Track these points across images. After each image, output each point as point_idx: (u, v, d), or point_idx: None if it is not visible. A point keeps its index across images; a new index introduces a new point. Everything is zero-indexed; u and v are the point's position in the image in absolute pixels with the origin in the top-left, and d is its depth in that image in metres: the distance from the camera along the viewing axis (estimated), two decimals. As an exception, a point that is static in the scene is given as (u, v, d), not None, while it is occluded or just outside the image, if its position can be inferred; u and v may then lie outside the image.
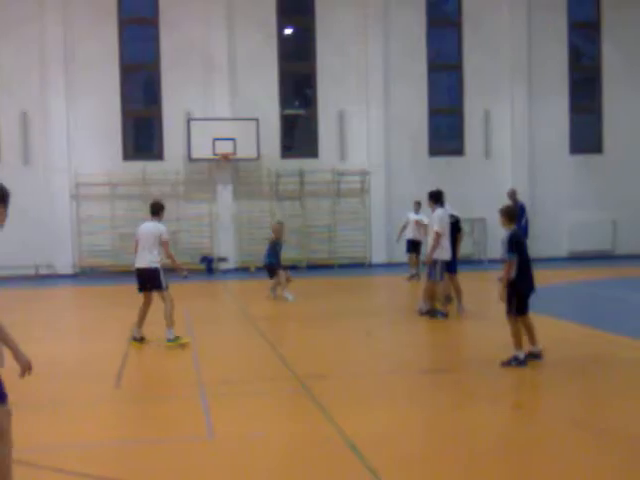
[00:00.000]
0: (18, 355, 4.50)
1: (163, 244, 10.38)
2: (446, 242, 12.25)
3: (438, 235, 12.04)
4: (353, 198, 23.04)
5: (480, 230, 22.69)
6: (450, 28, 24.15)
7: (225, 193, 22.27)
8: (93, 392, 8.06)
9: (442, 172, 22.45)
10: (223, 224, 22.20)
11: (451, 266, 12.68)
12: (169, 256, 10.50)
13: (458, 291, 12.86)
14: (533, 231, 23.23)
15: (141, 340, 10.45)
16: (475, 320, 12.33)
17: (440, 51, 24.21)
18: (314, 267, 22.24)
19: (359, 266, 22.56)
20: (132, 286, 10.85)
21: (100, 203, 21.74)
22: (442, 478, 5.36)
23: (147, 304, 10.55)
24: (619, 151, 24.29)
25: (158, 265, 10.34)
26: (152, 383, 8.83)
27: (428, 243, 12.55)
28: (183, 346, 10.22)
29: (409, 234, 18.77)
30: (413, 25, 23.32)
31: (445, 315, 12.30)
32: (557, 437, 6.13)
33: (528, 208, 23.06)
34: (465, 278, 13.78)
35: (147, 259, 10.34)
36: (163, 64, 22.23)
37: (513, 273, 8.41)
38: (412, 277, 18.46)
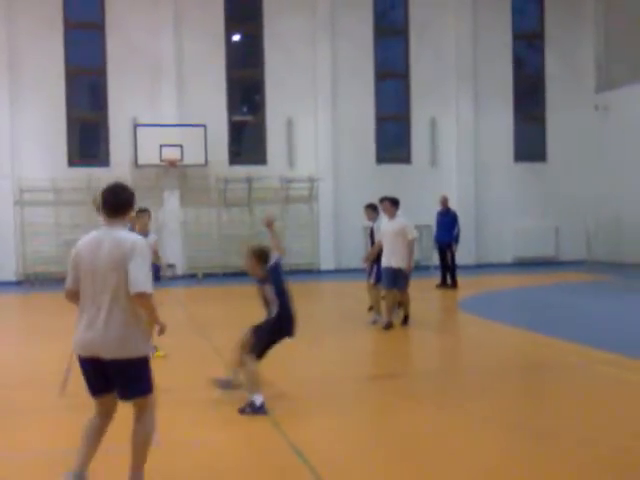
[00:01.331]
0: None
1: None
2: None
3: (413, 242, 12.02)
4: (301, 205, 23.09)
5: (427, 237, 22.90)
6: (397, 36, 24.39)
7: (172, 200, 22.12)
8: (37, 400, 7.93)
9: (389, 179, 22.62)
10: (170, 230, 22.04)
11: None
12: None
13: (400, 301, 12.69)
14: (479, 238, 23.64)
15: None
16: (421, 329, 12.45)
17: (387, 59, 24.44)
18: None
19: (307, 273, 22.60)
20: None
21: (45, 209, 21.41)
22: (387, 482, 5.41)
23: None
24: (562, 159, 24.78)
25: None
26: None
27: (400, 251, 11.98)
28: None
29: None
30: (361, 33, 23.52)
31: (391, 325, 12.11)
32: (493, 439, 6.25)
33: (474, 215, 23.47)
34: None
35: None
36: (109, 69, 22.02)
37: None
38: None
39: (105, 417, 5.01)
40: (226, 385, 7.58)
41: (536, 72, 25.48)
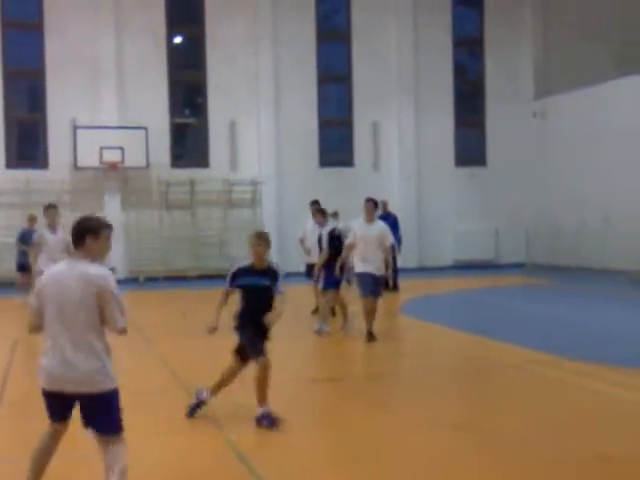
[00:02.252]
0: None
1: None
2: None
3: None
4: (244, 208, 23.01)
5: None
6: (339, 40, 24.51)
7: (113, 202, 21.82)
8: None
9: (332, 183, 22.69)
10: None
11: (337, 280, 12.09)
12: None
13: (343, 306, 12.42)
14: (420, 241, 23.85)
15: None
16: (363, 333, 12.50)
17: (330, 63, 24.53)
18: (205, 277, 22.03)
19: (250, 276, 22.45)
20: (11, 298, 10.50)
21: (-20, 212, 20.92)
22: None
23: None
24: (501, 164, 25.17)
25: None
26: (36, 398, 8.53)
27: (376, 258, 11.15)
28: None
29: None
30: (303, 36, 23.55)
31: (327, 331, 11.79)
32: (437, 440, 6.33)
33: (415, 218, 23.67)
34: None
35: None
36: (48, 70, 21.62)
37: None
38: None
39: (58, 438, 4.97)
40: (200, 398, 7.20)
41: (476, 78, 25.87)
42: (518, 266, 24.05)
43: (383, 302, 16.70)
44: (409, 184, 24.09)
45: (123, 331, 4.76)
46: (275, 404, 7.75)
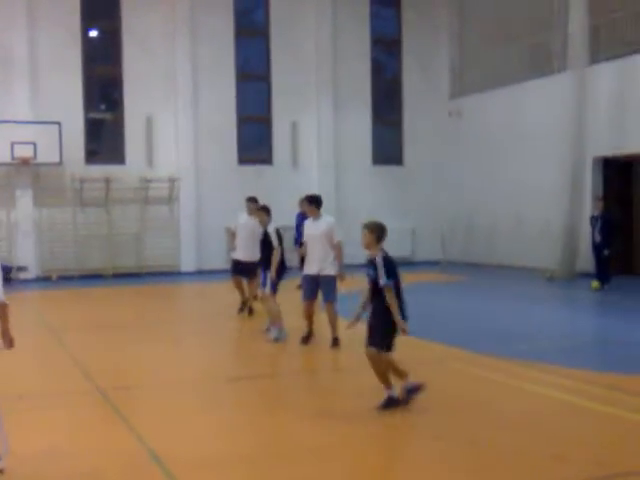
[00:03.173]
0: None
1: None
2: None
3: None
4: (162, 205, 22.71)
5: (289, 239, 23.03)
6: (258, 37, 24.43)
7: (24, 199, 21.22)
8: None
9: (251, 180, 22.61)
10: (23, 231, 21.16)
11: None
12: None
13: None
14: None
15: None
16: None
17: (249, 59, 24.43)
18: (121, 275, 21.68)
19: (168, 274, 22.24)
20: None
21: None
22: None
23: None
24: (417, 163, 25.56)
25: None
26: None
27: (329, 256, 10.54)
28: None
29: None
30: (221, 32, 23.37)
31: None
32: (356, 436, 6.39)
33: (334, 216, 23.63)
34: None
35: None
36: (-43, 61, 20.90)
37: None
38: None
39: None
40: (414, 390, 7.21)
41: (393, 77, 26.17)
42: (434, 263, 24.46)
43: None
44: (328, 182, 24.18)
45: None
46: (191, 402, 7.68)
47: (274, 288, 11.14)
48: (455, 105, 25.25)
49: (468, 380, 8.62)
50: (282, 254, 11.13)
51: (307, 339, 10.76)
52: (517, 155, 22.13)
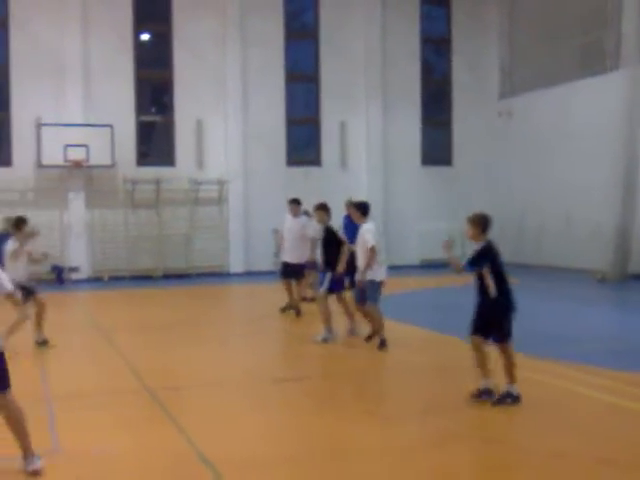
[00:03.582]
0: None
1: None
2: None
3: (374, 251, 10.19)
4: (211, 207, 22.92)
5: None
6: (307, 39, 24.52)
7: (77, 201, 21.60)
8: None
9: (299, 182, 22.68)
10: (75, 233, 21.53)
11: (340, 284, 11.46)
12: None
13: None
14: (386, 240, 23.83)
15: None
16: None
17: (298, 61, 24.52)
18: (170, 276, 21.94)
19: (217, 275, 22.44)
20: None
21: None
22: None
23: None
24: (467, 163, 25.37)
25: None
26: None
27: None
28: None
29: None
30: (271, 35, 23.51)
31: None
32: (398, 439, 6.37)
33: (381, 217, 23.68)
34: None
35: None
36: (13, 66, 21.33)
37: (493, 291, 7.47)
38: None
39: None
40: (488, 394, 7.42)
41: (443, 77, 26.02)
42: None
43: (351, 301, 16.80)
44: (376, 183, 24.15)
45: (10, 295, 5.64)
46: (239, 403, 7.75)
47: (340, 285, 11.23)
48: (505, 105, 25.00)
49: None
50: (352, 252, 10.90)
51: (370, 338, 10.80)
52: (567, 155, 21.82)
